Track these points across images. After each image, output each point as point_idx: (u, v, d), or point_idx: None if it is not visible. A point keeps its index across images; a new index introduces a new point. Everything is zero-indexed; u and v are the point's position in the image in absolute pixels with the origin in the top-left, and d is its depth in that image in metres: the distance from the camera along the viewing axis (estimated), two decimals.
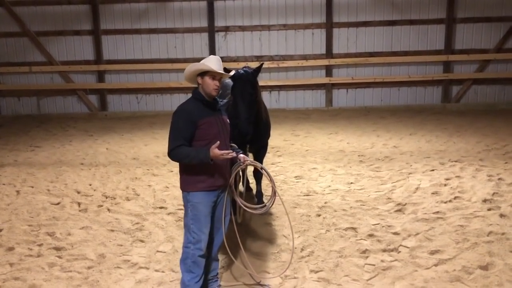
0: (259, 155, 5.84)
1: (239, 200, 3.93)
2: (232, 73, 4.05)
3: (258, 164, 3.99)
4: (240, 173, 4.48)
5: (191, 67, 3.71)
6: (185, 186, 3.75)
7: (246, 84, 4.73)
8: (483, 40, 13.69)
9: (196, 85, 3.81)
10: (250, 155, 6.00)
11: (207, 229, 3.74)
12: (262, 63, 5.04)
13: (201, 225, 3.69)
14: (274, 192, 3.91)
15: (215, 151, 3.50)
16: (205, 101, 3.73)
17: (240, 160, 3.85)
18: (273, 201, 3.95)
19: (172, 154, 3.60)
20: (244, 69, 4.87)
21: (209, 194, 3.72)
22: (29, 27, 14.13)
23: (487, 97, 14.03)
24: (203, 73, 3.70)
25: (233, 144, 4.06)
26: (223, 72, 3.72)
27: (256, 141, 5.52)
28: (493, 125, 10.98)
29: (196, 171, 3.66)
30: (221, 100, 3.97)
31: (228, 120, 3.96)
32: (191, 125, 3.61)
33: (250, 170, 6.65)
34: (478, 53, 13.67)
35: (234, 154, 3.64)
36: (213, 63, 3.68)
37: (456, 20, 13.62)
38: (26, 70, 14.24)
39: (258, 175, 5.95)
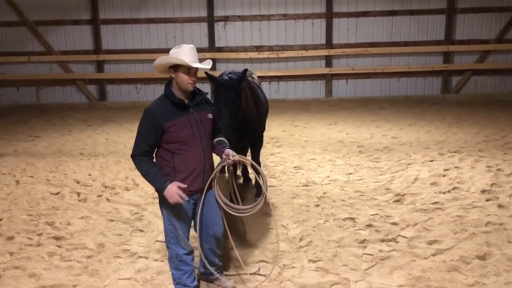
0: (255, 149, 5.82)
1: (222, 201, 3.65)
2: (208, 65, 3.53)
3: (248, 160, 3.69)
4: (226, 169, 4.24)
5: (162, 60, 3.36)
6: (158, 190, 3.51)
7: (230, 91, 4.59)
8: (484, 30, 13.63)
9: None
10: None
11: (184, 230, 3.58)
12: (246, 69, 4.84)
13: (176, 229, 3.54)
14: (263, 194, 3.59)
15: (172, 189, 3.28)
16: (175, 100, 3.41)
17: (227, 155, 3.57)
18: (263, 201, 3.60)
19: (134, 161, 3.40)
20: (229, 75, 4.75)
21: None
22: (27, 16, 14.06)
23: (487, 87, 14.00)
24: (176, 66, 3.34)
25: (221, 139, 3.77)
26: (199, 64, 3.33)
27: (249, 136, 5.48)
28: (492, 116, 10.97)
29: (169, 175, 3.43)
30: (200, 92, 3.57)
31: (210, 115, 3.61)
32: (155, 130, 3.33)
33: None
34: (478, 43, 13.61)
35: (185, 200, 3.33)
36: (187, 54, 3.28)
37: (456, 10, 13.56)
38: (25, 60, 14.18)
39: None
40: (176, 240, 3.57)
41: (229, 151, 3.61)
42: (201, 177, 3.55)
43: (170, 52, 3.39)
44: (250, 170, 6.76)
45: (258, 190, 5.90)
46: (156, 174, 3.36)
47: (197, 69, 3.40)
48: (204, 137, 3.54)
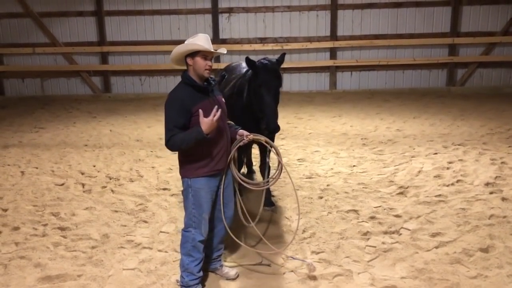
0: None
1: (240, 177, 3.82)
2: (224, 51, 3.69)
3: (262, 137, 3.80)
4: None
5: (181, 48, 3.49)
6: (185, 173, 3.65)
7: (272, 75, 4.43)
8: (490, 22, 13.51)
9: (184, 68, 3.62)
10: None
11: (207, 214, 3.69)
12: (284, 53, 4.68)
13: (202, 211, 3.64)
14: (280, 166, 3.83)
15: (204, 120, 3.36)
16: (196, 86, 3.55)
17: (241, 136, 3.73)
18: (279, 174, 3.89)
19: (169, 144, 3.49)
20: (267, 59, 4.58)
21: (210, 179, 3.65)
22: (32, 8, 14.04)
23: (492, 80, 13.91)
24: (194, 54, 3.48)
25: (230, 122, 3.91)
26: (216, 51, 3.52)
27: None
28: (497, 109, 10.92)
29: (196, 156, 3.57)
30: (212, 78, 3.71)
31: (223, 99, 3.80)
32: (184, 114, 3.46)
33: (255, 152, 6.68)
34: (484, 35, 13.48)
35: (219, 111, 3.44)
36: (204, 41, 3.46)
37: (462, 2, 13.44)
38: (29, 51, 14.20)
39: (264, 153, 5.86)
40: (197, 225, 3.67)
41: (242, 131, 3.79)
42: (225, 157, 3.72)
43: (186, 41, 3.54)
44: (254, 162, 6.77)
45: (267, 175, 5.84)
46: (189, 131, 3.43)
47: (213, 56, 3.57)
48: (224, 119, 3.72)
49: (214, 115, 3.39)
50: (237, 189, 4.02)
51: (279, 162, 3.85)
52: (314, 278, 3.93)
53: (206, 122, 3.36)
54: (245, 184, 3.84)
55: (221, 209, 3.79)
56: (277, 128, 4.36)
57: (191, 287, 3.72)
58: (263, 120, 4.44)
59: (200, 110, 3.40)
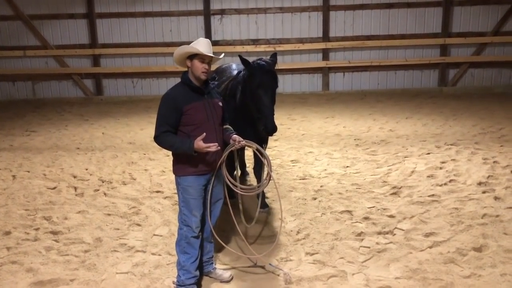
0: (265, 143, 5.69)
1: (229, 180, 3.88)
2: (222, 55, 3.87)
3: (254, 145, 3.86)
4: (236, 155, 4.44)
5: (179, 50, 3.67)
6: (176, 170, 3.78)
7: (269, 76, 4.42)
8: (481, 23, 13.62)
9: (186, 69, 3.75)
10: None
11: (197, 211, 3.75)
12: (276, 53, 4.65)
13: (190, 208, 3.72)
14: (269, 176, 3.89)
15: (199, 143, 3.50)
16: (192, 86, 3.69)
17: (234, 141, 3.80)
18: (267, 184, 3.99)
19: (158, 140, 3.66)
20: (263, 59, 4.52)
21: (199, 178, 3.73)
22: (22, 10, 13.95)
23: (483, 80, 14.02)
24: (192, 56, 3.65)
25: (228, 126, 3.98)
26: (212, 55, 3.65)
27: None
28: (489, 109, 10.99)
29: (186, 157, 3.65)
30: (212, 82, 3.89)
31: (220, 103, 3.86)
32: (175, 112, 3.60)
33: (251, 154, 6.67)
34: (475, 36, 13.61)
35: (218, 148, 3.60)
36: (202, 45, 3.62)
37: (453, 3, 13.55)
38: (20, 54, 14.09)
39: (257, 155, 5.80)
40: (188, 222, 3.74)
41: (236, 136, 3.85)
42: (216, 159, 3.79)
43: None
44: (248, 164, 6.76)
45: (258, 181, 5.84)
46: (182, 140, 3.61)
47: (210, 60, 3.70)
48: (216, 122, 3.80)
49: (210, 148, 3.52)
50: (227, 192, 4.04)
51: (268, 173, 3.88)
52: (309, 279, 3.93)
53: (200, 146, 3.50)
54: (233, 188, 3.91)
55: (208, 207, 3.85)
56: (275, 129, 4.36)
57: (187, 286, 3.74)
58: (260, 121, 4.41)
59: (204, 134, 3.52)
